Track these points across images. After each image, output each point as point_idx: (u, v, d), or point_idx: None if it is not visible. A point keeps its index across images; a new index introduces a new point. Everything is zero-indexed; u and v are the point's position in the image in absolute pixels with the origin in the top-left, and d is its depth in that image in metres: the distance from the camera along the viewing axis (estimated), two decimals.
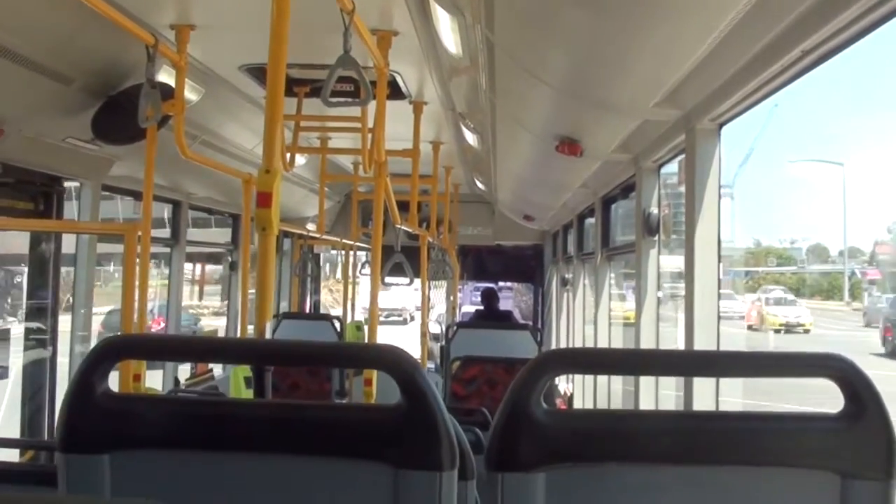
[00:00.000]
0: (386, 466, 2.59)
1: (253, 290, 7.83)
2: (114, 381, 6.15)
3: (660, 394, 8.11)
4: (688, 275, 6.38)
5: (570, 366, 2.90)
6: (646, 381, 8.12)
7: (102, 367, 2.64)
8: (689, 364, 3.05)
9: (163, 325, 13.15)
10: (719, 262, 6.40)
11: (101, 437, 2.62)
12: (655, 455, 2.61)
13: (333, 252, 20.87)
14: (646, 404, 8.19)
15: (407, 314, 42.26)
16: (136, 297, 6.66)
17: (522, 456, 2.60)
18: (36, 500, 1.09)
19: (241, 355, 3.29)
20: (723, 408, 5.97)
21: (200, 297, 23.41)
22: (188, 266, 18.31)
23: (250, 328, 8.07)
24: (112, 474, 2.61)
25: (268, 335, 4.46)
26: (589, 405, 13.55)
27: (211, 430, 2.64)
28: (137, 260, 6.68)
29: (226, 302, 14.48)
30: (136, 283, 6.64)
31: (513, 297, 32.52)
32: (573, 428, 2.65)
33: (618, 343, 12.23)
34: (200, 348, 3.13)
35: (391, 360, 2.65)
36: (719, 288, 6.40)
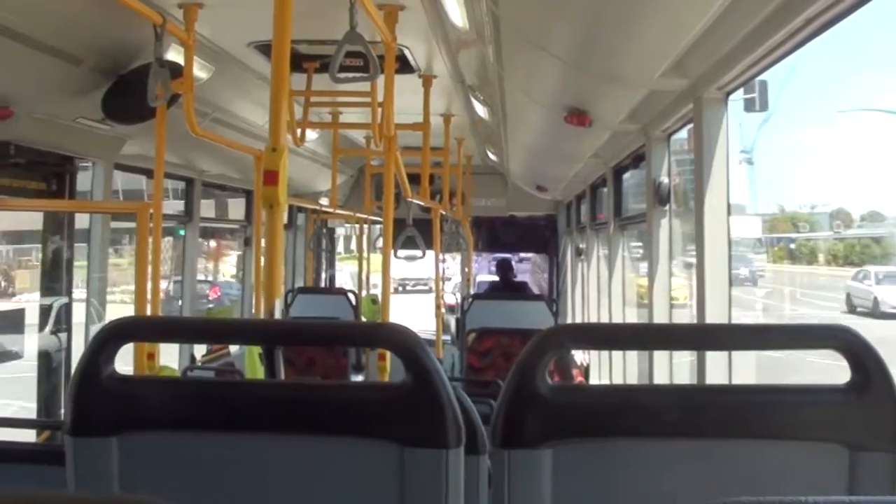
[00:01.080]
0: (392, 444, 2.60)
1: None
2: (129, 361, 6.23)
3: (674, 365, 8.12)
4: (698, 243, 6.38)
5: (575, 341, 2.90)
6: (659, 354, 8.13)
7: (108, 350, 2.65)
8: (695, 338, 3.05)
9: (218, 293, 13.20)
10: (729, 229, 6.39)
11: (108, 419, 2.63)
12: (663, 429, 2.62)
13: (348, 226, 20.89)
14: (660, 376, 8.21)
15: (433, 283, 42.02)
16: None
17: (528, 432, 2.61)
18: (31, 497, 1.11)
19: (244, 336, 3.31)
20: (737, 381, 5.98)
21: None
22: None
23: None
24: (120, 457, 2.63)
25: (279, 309, 4.49)
26: (605, 376, 13.57)
27: (218, 412, 2.66)
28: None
29: None
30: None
31: (530, 273, 32.15)
32: (579, 403, 2.66)
33: (632, 313, 12.23)
34: (206, 330, 3.14)
35: (395, 339, 2.67)
36: (730, 256, 6.40)
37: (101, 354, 2.64)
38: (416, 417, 2.61)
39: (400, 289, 48.55)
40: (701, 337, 3.00)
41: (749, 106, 10.93)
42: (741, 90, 6.13)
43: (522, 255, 30.38)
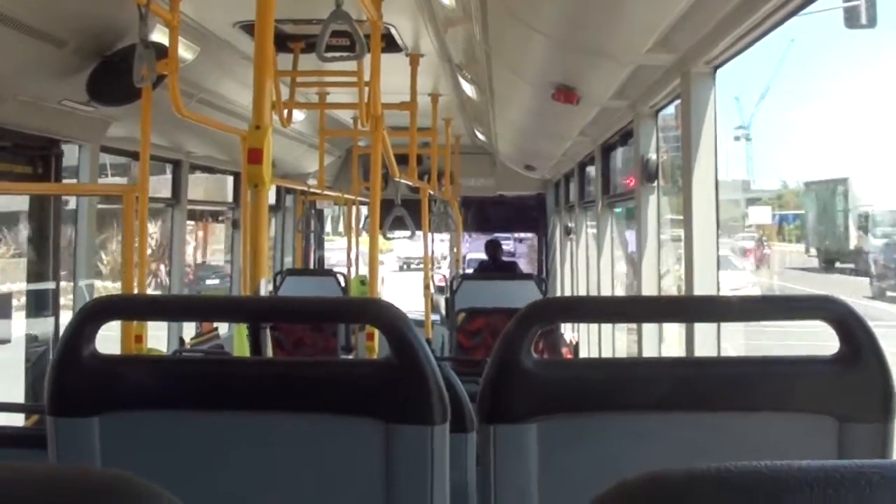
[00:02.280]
0: (377, 421, 2.59)
1: None
2: (116, 343, 6.21)
3: (664, 340, 8.13)
4: (686, 219, 6.38)
5: (559, 314, 2.89)
6: (648, 329, 8.13)
7: (89, 329, 2.63)
8: (682, 310, 3.03)
9: None
10: (717, 205, 6.39)
11: (89, 399, 2.62)
12: (649, 403, 2.60)
13: (337, 207, 20.88)
14: (649, 351, 8.21)
15: (436, 261, 42.34)
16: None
17: (513, 407, 2.59)
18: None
19: (228, 313, 3.29)
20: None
21: None
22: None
23: None
24: (102, 436, 2.61)
25: (264, 288, 4.47)
26: (595, 353, 13.59)
27: (199, 390, 2.65)
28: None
29: None
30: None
31: (527, 254, 31.86)
32: (564, 378, 2.65)
33: (621, 291, 12.25)
34: (189, 307, 3.13)
35: (380, 315, 2.65)
36: (717, 231, 6.40)
37: (81, 333, 2.62)
38: (401, 394, 2.59)
39: (405, 267, 48.79)
40: (689, 308, 2.99)
41: (852, 19, 8.00)
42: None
43: (520, 235, 30.21)
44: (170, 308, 3.14)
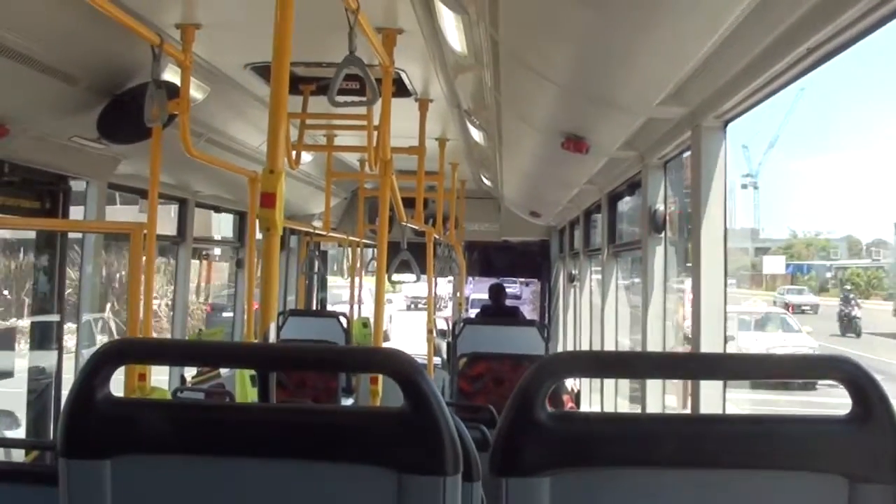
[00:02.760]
0: (390, 471, 2.57)
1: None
2: (119, 379, 6.19)
3: (667, 391, 8.11)
4: (694, 273, 6.37)
5: (575, 370, 2.88)
6: (652, 380, 8.11)
7: (103, 372, 2.63)
8: (693, 367, 3.01)
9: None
10: (726, 259, 6.38)
11: (102, 442, 2.61)
12: (662, 459, 2.59)
13: (340, 248, 20.91)
14: (652, 401, 8.19)
15: (442, 302, 42.51)
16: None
17: (527, 460, 2.58)
18: None
19: (241, 360, 3.28)
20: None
21: None
22: None
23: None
24: (113, 479, 2.60)
25: (273, 333, 4.46)
26: (596, 401, 13.55)
27: (213, 435, 2.64)
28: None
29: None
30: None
31: (531, 301, 31.60)
32: (578, 432, 2.63)
33: (625, 342, 12.22)
34: (201, 353, 3.12)
35: (394, 365, 2.64)
36: (726, 285, 6.39)
37: (96, 376, 2.61)
38: (415, 444, 2.58)
39: (412, 306, 48.93)
40: (700, 366, 2.97)
41: None
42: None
43: (526, 279, 30.15)
44: (182, 353, 3.13)
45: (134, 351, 2.97)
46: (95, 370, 2.62)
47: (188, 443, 2.63)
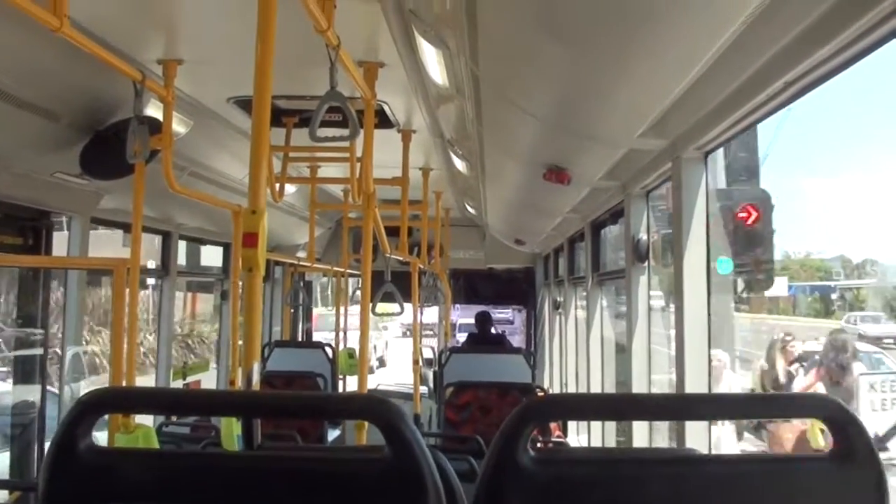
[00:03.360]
0: None
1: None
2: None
3: (653, 423, 8.11)
4: (677, 303, 6.39)
5: (556, 414, 2.88)
6: None
7: (85, 423, 2.62)
8: (675, 408, 3.01)
9: None
10: (709, 289, 6.40)
11: (84, 492, 2.60)
12: (646, 501, 2.59)
13: (325, 278, 20.87)
14: (639, 433, 8.20)
15: (436, 328, 42.50)
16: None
17: None
18: None
19: (223, 409, 3.28)
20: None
21: None
22: None
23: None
24: None
25: (257, 373, 4.45)
26: (583, 428, 13.55)
27: (194, 484, 2.63)
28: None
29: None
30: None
31: (522, 329, 31.25)
32: (562, 476, 2.63)
33: (611, 367, 12.23)
34: (183, 402, 3.12)
35: (375, 411, 2.64)
36: (709, 317, 6.40)
37: (77, 426, 2.60)
38: (396, 490, 2.57)
39: (407, 333, 48.97)
40: (682, 407, 2.97)
41: None
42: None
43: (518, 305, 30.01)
44: (165, 403, 3.13)
45: (116, 401, 2.96)
46: (77, 420, 2.62)
47: (171, 493, 2.62)
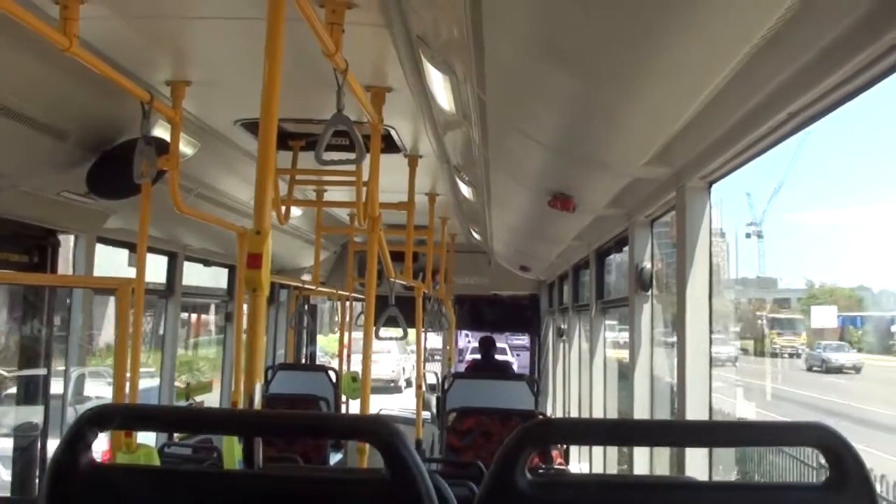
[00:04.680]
0: None
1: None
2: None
3: (654, 452, 8.11)
4: (679, 332, 6.39)
5: (554, 437, 2.89)
6: None
7: (86, 439, 2.63)
8: (673, 435, 3.02)
9: None
10: (711, 319, 6.41)
11: None
12: None
13: (329, 301, 20.86)
14: (640, 461, 8.19)
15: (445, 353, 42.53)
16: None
17: None
18: None
19: (225, 427, 3.29)
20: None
21: None
22: None
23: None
24: None
25: (259, 394, 4.45)
26: (585, 454, 13.54)
27: (195, 502, 2.64)
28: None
29: None
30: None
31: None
32: (559, 500, 2.63)
33: (613, 396, 12.23)
34: (184, 420, 3.13)
35: (374, 432, 2.65)
36: (710, 347, 6.41)
37: (78, 443, 2.62)
38: None
39: (436, 357, 49.04)
40: (681, 434, 2.98)
41: None
42: None
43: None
44: (168, 420, 3.14)
45: (114, 418, 2.97)
46: (78, 437, 2.63)
47: None
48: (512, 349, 40.51)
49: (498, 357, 18.25)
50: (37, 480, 7.99)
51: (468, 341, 25.99)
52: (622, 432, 3.01)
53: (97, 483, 2.63)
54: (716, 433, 2.88)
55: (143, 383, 7.76)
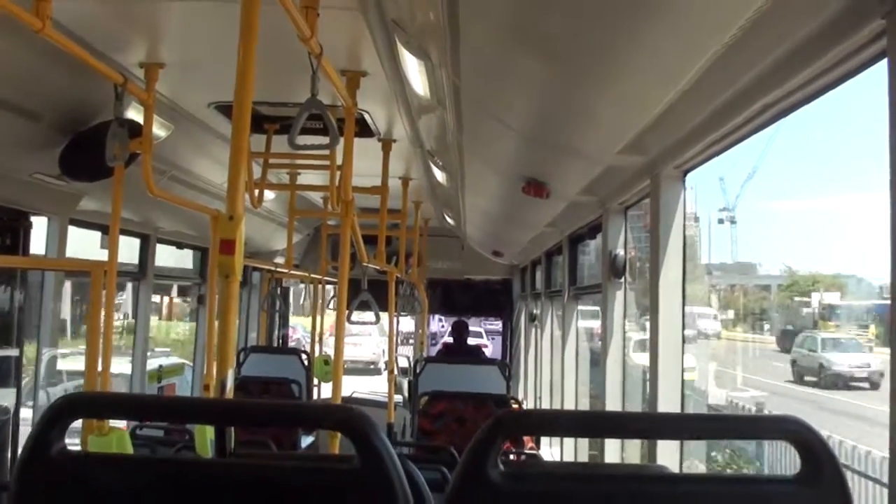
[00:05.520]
0: None
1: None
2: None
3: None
4: (652, 319, 6.41)
5: (527, 429, 2.90)
6: None
7: (58, 427, 2.63)
8: (646, 427, 3.03)
9: None
10: (684, 307, 6.43)
11: (56, 497, 2.61)
12: None
13: (302, 285, 20.83)
14: (611, 447, 8.22)
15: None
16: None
17: None
18: None
19: (196, 416, 3.28)
20: None
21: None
22: None
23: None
24: None
25: (231, 380, 4.44)
26: (556, 440, 13.57)
27: (166, 491, 2.64)
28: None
29: None
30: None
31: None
32: (531, 491, 2.64)
33: (585, 379, 12.26)
34: (155, 408, 3.13)
35: (346, 421, 2.65)
36: (683, 332, 6.43)
37: (51, 431, 2.61)
38: (366, 501, 2.58)
39: (409, 340, 49.10)
40: (652, 426, 2.99)
41: None
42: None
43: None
44: (137, 409, 3.13)
45: (88, 406, 2.97)
46: (50, 425, 2.62)
47: (141, 498, 2.63)
48: (487, 334, 40.57)
49: (473, 341, 18.28)
50: (8, 465, 7.96)
51: (441, 325, 25.99)
52: (593, 425, 3.01)
53: (69, 471, 2.62)
54: (689, 426, 2.89)
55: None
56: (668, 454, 6.00)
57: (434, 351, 21.64)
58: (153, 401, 4.37)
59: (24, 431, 8.04)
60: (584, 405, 12.81)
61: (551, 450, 13.99)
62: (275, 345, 18.66)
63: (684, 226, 6.37)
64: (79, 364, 8.18)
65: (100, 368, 6.56)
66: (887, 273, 3.30)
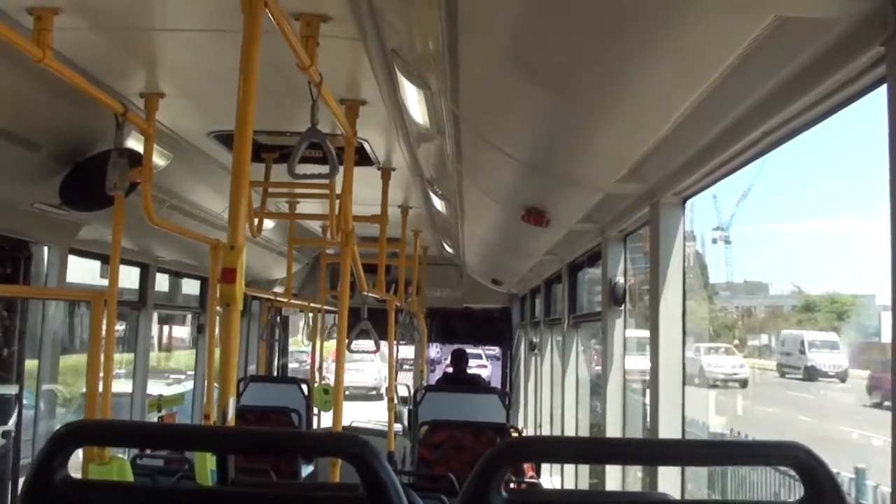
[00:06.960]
0: None
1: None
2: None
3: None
4: (652, 346, 6.40)
5: (529, 456, 2.88)
6: None
7: (60, 455, 2.62)
8: (647, 454, 3.02)
9: None
10: (684, 335, 6.42)
11: None
12: None
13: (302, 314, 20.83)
14: (612, 475, 8.19)
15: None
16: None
17: None
18: None
19: (197, 444, 3.28)
20: None
21: None
22: None
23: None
24: None
25: (232, 409, 4.43)
26: (556, 469, 13.53)
27: None
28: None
29: None
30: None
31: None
32: None
33: (585, 407, 12.23)
34: (157, 437, 3.12)
35: (350, 449, 2.64)
36: (684, 358, 6.43)
37: (52, 459, 2.60)
38: None
39: (401, 367, 49.11)
40: (654, 452, 2.97)
41: None
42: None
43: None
44: (139, 436, 3.13)
45: (90, 434, 2.96)
46: (52, 453, 2.62)
47: None
48: (487, 357, 40.52)
49: (471, 363, 18.25)
50: (9, 497, 7.92)
51: (438, 351, 25.94)
52: (596, 451, 3.00)
53: (72, 500, 2.61)
54: (689, 452, 2.88)
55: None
56: (670, 481, 5.98)
57: (433, 378, 21.61)
58: (156, 429, 4.36)
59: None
60: (585, 434, 12.78)
61: (551, 478, 13.95)
62: (274, 374, 18.62)
63: (684, 252, 6.37)
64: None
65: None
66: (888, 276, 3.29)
